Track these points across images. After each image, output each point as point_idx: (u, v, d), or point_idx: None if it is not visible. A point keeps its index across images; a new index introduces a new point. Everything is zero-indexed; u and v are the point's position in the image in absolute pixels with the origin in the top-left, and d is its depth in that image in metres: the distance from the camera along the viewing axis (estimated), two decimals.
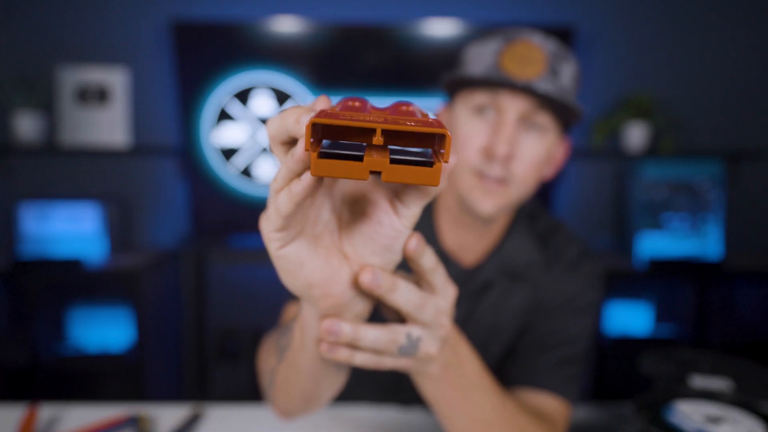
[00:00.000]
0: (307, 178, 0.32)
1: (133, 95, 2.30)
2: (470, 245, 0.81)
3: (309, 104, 0.34)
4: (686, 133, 2.42)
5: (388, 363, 0.44)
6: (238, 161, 2.26)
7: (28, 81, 2.18)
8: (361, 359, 0.43)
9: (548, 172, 0.79)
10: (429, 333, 0.43)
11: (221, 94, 2.22)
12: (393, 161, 0.27)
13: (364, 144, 0.29)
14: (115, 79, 2.26)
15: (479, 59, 0.70)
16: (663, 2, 2.36)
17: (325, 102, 0.33)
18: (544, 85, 0.67)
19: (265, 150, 2.26)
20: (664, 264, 2.18)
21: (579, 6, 2.33)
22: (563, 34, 2.19)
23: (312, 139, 0.28)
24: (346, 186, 0.39)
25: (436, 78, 2.25)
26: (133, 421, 0.80)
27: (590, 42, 2.35)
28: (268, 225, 0.36)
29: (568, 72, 0.70)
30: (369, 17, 2.29)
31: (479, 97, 0.70)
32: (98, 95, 2.25)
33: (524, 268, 0.81)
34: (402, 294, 0.40)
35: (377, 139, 0.27)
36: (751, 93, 2.41)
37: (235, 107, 2.23)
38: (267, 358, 0.65)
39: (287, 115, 0.33)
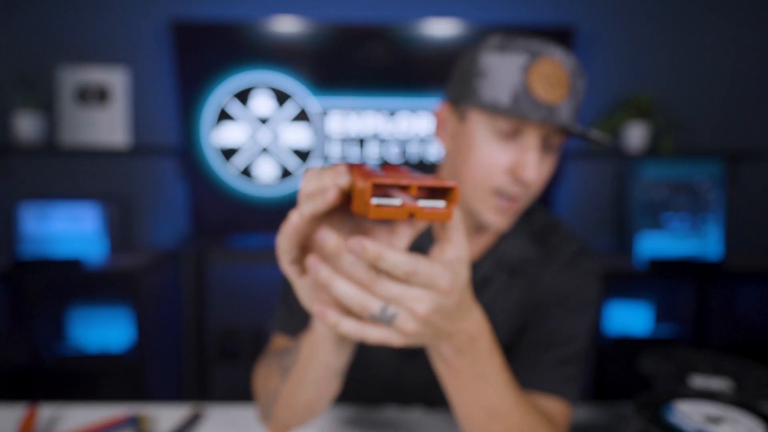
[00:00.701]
0: (295, 220, 0.43)
1: (133, 95, 2.31)
2: (468, 245, 0.81)
3: (330, 169, 0.44)
4: (686, 133, 2.42)
5: (372, 334, 0.45)
6: (238, 161, 2.27)
7: (28, 81, 2.18)
8: (346, 326, 0.44)
9: None
10: (406, 314, 0.43)
11: (221, 94, 2.22)
12: (423, 206, 0.39)
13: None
14: (115, 79, 2.26)
15: (504, 76, 0.67)
16: (663, 2, 2.36)
17: (344, 167, 0.45)
18: (568, 108, 0.68)
19: (265, 150, 2.26)
20: (664, 264, 2.18)
21: (579, 6, 2.33)
22: (563, 35, 2.19)
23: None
24: (351, 225, 0.48)
25: (435, 78, 2.25)
26: (133, 421, 0.80)
27: (590, 42, 2.35)
28: (282, 259, 0.45)
29: (582, 88, 0.70)
30: (369, 17, 2.29)
31: (505, 123, 0.68)
32: (98, 95, 2.25)
33: (521, 264, 0.81)
34: (391, 258, 0.41)
35: (413, 192, 0.38)
36: (751, 93, 2.41)
37: (235, 107, 2.23)
38: (267, 379, 0.69)
39: (323, 176, 0.44)
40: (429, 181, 0.39)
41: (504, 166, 0.69)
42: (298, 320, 0.80)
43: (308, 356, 0.56)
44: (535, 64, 0.66)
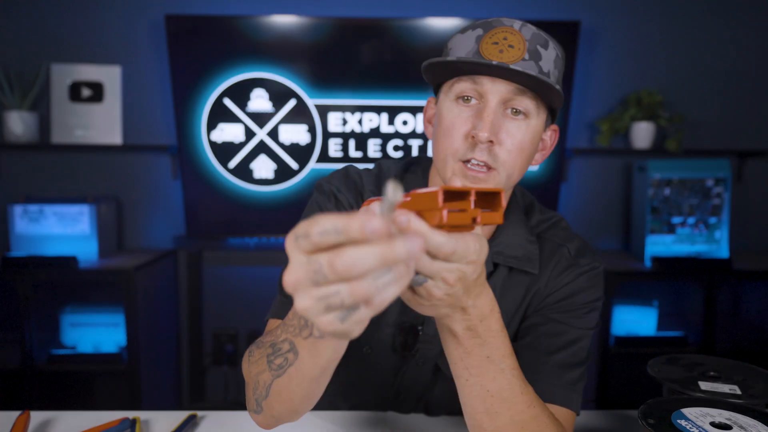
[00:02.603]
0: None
1: (128, 94, 2.28)
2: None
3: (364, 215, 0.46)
4: (693, 133, 2.40)
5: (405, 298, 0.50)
6: (235, 160, 2.24)
7: (22, 79, 2.16)
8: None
9: (538, 158, 0.77)
10: (436, 281, 0.47)
11: (218, 92, 2.20)
12: (484, 212, 0.43)
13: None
14: (110, 78, 2.24)
15: (461, 48, 0.71)
16: (668, 0, 2.34)
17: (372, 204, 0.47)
18: (525, 69, 0.66)
19: (261, 148, 2.24)
20: (670, 264, 2.15)
21: (583, 3, 2.31)
22: (567, 32, 2.17)
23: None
24: None
25: None
26: (131, 422, 0.78)
27: (595, 39, 2.33)
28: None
29: (549, 57, 0.70)
30: (368, 14, 2.27)
31: (461, 85, 0.70)
32: (92, 94, 2.23)
33: (520, 261, 0.78)
34: (434, 240, 0.44)
35: (473, 199, 0.41)
36: (758, 92, 2.39)
37: (231, 105, 2.21)
38: (259, 374, 0.67)
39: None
40: (481, 187, 0.43)
41: (464, 131, 0.69)
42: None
43: (309, 355, 0.56)
44: (488, 33, 0.70)
